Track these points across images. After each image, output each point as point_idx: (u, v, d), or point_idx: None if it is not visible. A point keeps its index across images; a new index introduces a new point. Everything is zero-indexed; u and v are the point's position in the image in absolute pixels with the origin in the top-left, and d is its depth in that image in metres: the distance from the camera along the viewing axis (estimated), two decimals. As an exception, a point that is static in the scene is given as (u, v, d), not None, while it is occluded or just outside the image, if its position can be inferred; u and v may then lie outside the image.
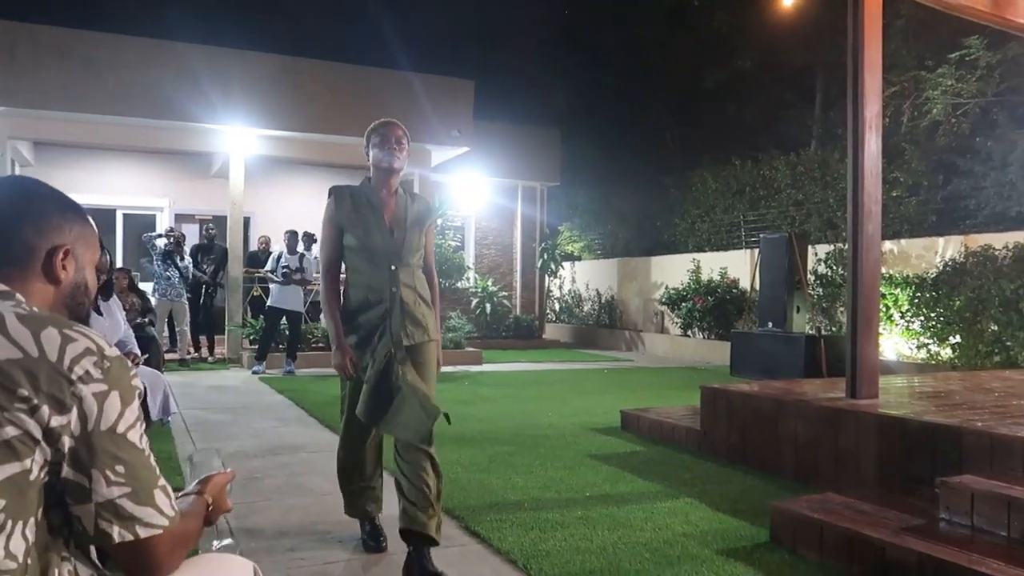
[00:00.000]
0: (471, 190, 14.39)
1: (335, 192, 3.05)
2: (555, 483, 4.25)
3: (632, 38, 18.21)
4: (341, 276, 3.13)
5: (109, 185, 12.55)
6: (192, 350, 10.37)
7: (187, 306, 9.99)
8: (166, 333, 10.51)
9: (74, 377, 1.07)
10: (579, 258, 17.26)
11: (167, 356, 9.96)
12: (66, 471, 1.07)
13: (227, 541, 1.51)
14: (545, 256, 14.93)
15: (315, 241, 11.87)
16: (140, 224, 12.66)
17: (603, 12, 18.65)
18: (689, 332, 12.69)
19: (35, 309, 1.15)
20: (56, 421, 1.05)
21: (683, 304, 12.45)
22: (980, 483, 3.12)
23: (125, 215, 12.94)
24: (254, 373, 9.23)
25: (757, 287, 10.09)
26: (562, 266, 15.76)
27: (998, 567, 2.58)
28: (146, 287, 9.62)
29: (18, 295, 1.15)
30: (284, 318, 9.53)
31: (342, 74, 11.20)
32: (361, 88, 11.12)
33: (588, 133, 17.90)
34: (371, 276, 2.95)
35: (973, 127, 10.27)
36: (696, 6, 15.59)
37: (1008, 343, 7.79)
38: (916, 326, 9.03)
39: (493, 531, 3.38)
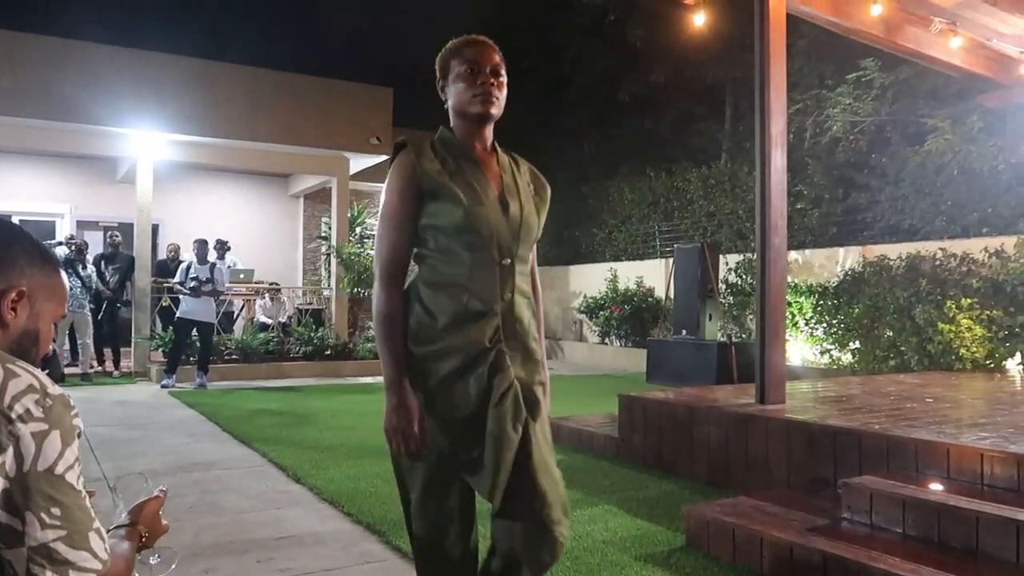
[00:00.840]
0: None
1: (413, 144, 1.93)
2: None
3: (551, 48, 18.46)
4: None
5: (3, 189, 11.88)
6: (95, 364, 9.89)
7: (89, 317, 9.52)
8: (67, 346, 10.03)
9: (13, 416, 1.03)
10: (499, 267, 17.32)
11: (68, 371, 9.51)
12: None
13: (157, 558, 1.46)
14: (466, 265, 14.92)
15: (228, 249, 11.53)
16: (38, 231, 11.98)
17: (522, 22, 18.85)
18: (607, 340, 12.92)
19: None
20: None
21: (601, 312, 12.68)
22: (878, 483, 3.30)
23: (21, 221, 12.23)
24: (163, 387, 8.87)
25: (671, 296, 10.37)
26: (482, 275, 15.77)
27: (894, 563, 2.75)
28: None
29: None
30: (195, 329, 9.21)
31: (257, 79, 10.93)
32: (277, 93, 10.90)
33: (508, 142, 18.00)
34: (473, 272, 1.82)
35: (869, 144, 10.85)
36: (612, 20, 15.94)
37: (902, 348, 8.26)
38: (819, 332, 9.46)
39: (415, 545, 3.36)
